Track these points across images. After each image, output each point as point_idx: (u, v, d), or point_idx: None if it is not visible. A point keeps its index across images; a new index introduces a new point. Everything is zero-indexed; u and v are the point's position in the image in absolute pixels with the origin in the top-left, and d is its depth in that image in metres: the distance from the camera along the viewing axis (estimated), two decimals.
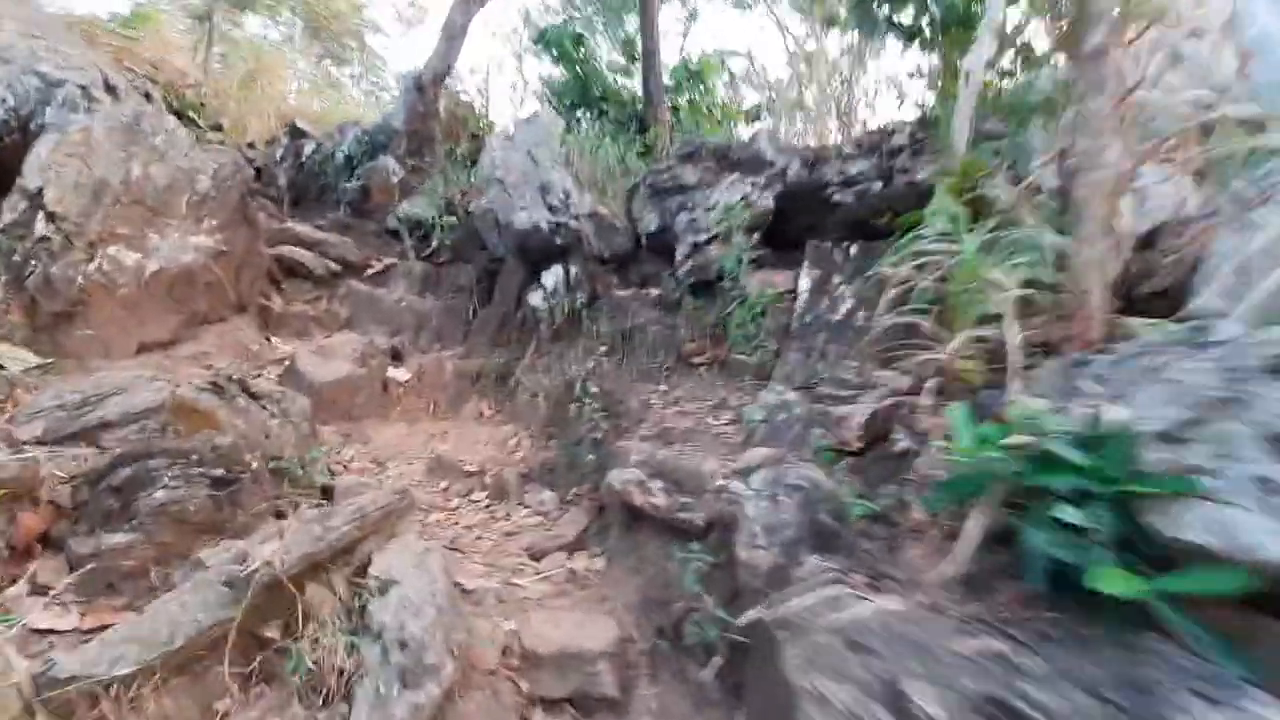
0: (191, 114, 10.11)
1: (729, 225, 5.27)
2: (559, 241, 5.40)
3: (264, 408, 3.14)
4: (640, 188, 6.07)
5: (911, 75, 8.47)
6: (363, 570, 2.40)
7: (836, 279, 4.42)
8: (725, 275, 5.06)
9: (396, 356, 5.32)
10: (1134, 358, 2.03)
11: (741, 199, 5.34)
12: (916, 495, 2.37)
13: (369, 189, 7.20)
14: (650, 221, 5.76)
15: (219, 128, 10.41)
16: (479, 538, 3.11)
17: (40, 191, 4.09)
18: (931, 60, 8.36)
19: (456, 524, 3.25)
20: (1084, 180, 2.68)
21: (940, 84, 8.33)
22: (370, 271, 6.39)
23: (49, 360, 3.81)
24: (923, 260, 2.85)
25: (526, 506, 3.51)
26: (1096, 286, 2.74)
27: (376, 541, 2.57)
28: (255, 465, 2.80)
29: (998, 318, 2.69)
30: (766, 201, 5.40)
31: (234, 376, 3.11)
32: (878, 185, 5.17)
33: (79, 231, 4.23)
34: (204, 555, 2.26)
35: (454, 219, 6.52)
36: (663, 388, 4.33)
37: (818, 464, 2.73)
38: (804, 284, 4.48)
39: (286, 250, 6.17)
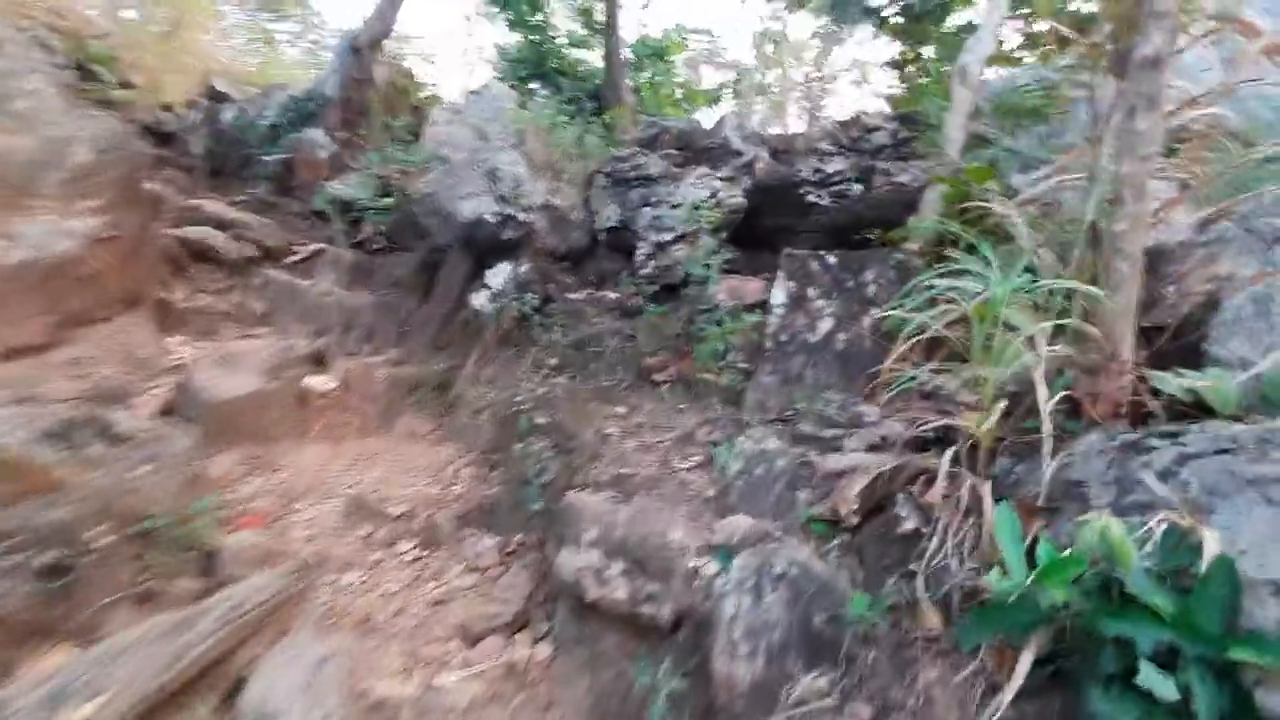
0: (98, 68, 8.90)
1: (697, 224, 4.74)
2: (508, 236, 4.78)
3: (127, 455, 2.48)
4: (599, 176, 5.47)
5: (885, 65, 8.04)
6: (235, 692, 1.84)
7: (813, 292, 3.96)
8: (691, 280, 4.56)
9: (319, 361, 4.62)
10: (1211, 454, 1.62)
11: (711, 195, 4.82)
12: (929, 593, 1.94)
13: (294, 164, 6.35)
14: (609, 215, 5.18)
15: (130, 85, 9.24)
16: (399, 611, 2.55)
17: None
18: (906, 52, 7.93)
19: (374, 590, 2.68)
20: (1124, 213, 2.26)
21: (915, 78, 7.94)
22: (293, 259, 5.60)
23: None
24: (938, 292, 2.40)
25: (462, 560, 2.96)
26: (1128, 336, 2.35)
27: (260, 644, 2.00)
28: (106, 540, 2.17)
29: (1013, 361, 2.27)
30: (736, 199, 4.89)
31: (89, 416, 2.44)
32: (858, 187, 4.72)
33: None
34: (4, 695, 1.65)
35: (390, 201, 5.77)
36: (620, 410, 3.81)
37: (807, 538, 2.28)
38: (778, 297, 4.01)
39: (195, 232, 5.33)
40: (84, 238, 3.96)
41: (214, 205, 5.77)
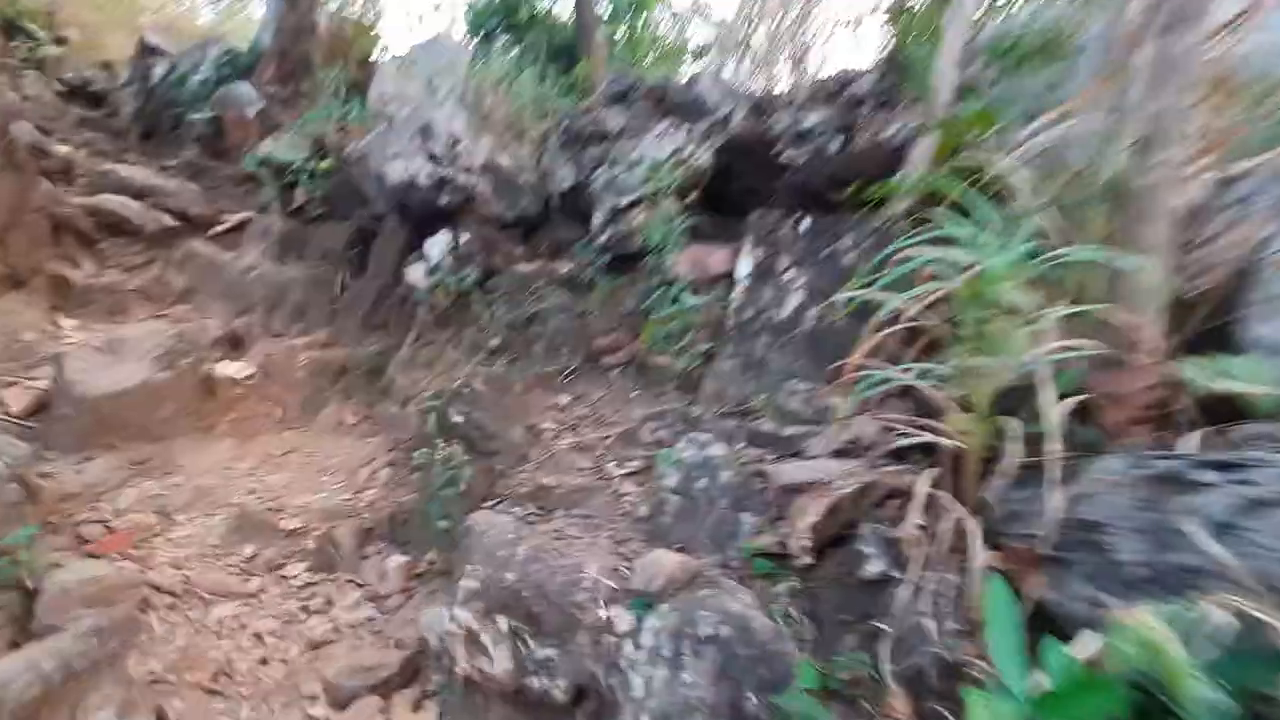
0: (29, 24, 8.13)
1: (657, 186, 4.17)
2: (445, 201, 4.20)
3: None
4: (554, 134, 4.86)
5: (878, 13, 7.31)
6: None
7: (783, 262, 3.42)
8: (650, 249, 4.00)
9: (236, 344, 4.10)
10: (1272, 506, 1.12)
11: (673, 153, 4.23)
12: (896, 665, 1.47)
13: (224, 124, 5.70)
14: (564, 177, 4.58)
15: (64, 41, 8.47)
16: (265, 659, 2.09)
17: None
18: None
19: (242, 630, 2.22)
20: (1154, 161, 1.72)
21: (908, 25, 7.22)
22: (217, 229, 5.03)
23: None
24: (916, 265, 1.87)
25: (361, 584, 2.50)
26: (1156, 319, 1.84)
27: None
28: None
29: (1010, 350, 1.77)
30: (704, 157, 4.30)
31: None
32: (836, 142, 4.13)
33: None
34: None
35: (328, 164, 5.16)
36: (562, 399, 3.31)
37: (748, 579, 1.80)
38: (743, 267, 3.47)
39: (107, 201, 4.75)
40: None
41: (133, 171, 5.16)
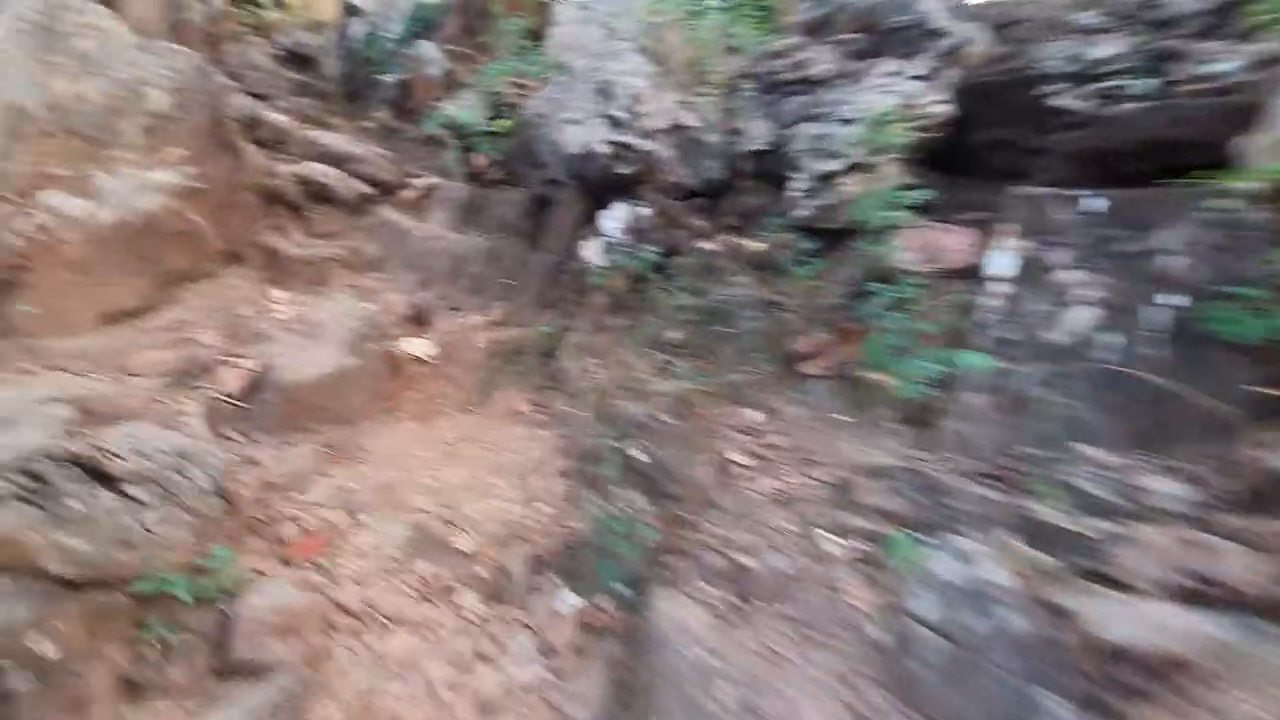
0: None
1: (875, 145, 3.35)
2: (623, 170, 3.71)
3: (130, 497, 1.97)
4: (745, 81, 4.12)
5: None
6: None
7: (1062, 256, 2.52)
8: (864, 229, 3.24)
9: (419, 321, 4.05)
10: None
11: (901, 104, 3.35)
12: None
13: (409, 84, 5.64)
14: (757, 135, 3.87)
15: (283, 4, 9.02)
16: None
17: None
18: None
19: (417, 668, 2.06)
20: None
21: None
22: (406, 196, 5.02)
23: None
24: None
25: (530, 626, 2.25)
26: None
27: None
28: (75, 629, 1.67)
29: None
30: (941, 106, 3.37)
31: (79, 455, 1.93)
32: (1144, 84, 2.99)
33: (1, 178, 3.13)
34: None
35: (505, 125, 4.89)
36: (754, 418, 2.79)
37: None
38: (998, 262, 2.63)
39: (311, 170, 4.88)
40: (171, 192, 3.55)
41: (334, 138, 5.27)
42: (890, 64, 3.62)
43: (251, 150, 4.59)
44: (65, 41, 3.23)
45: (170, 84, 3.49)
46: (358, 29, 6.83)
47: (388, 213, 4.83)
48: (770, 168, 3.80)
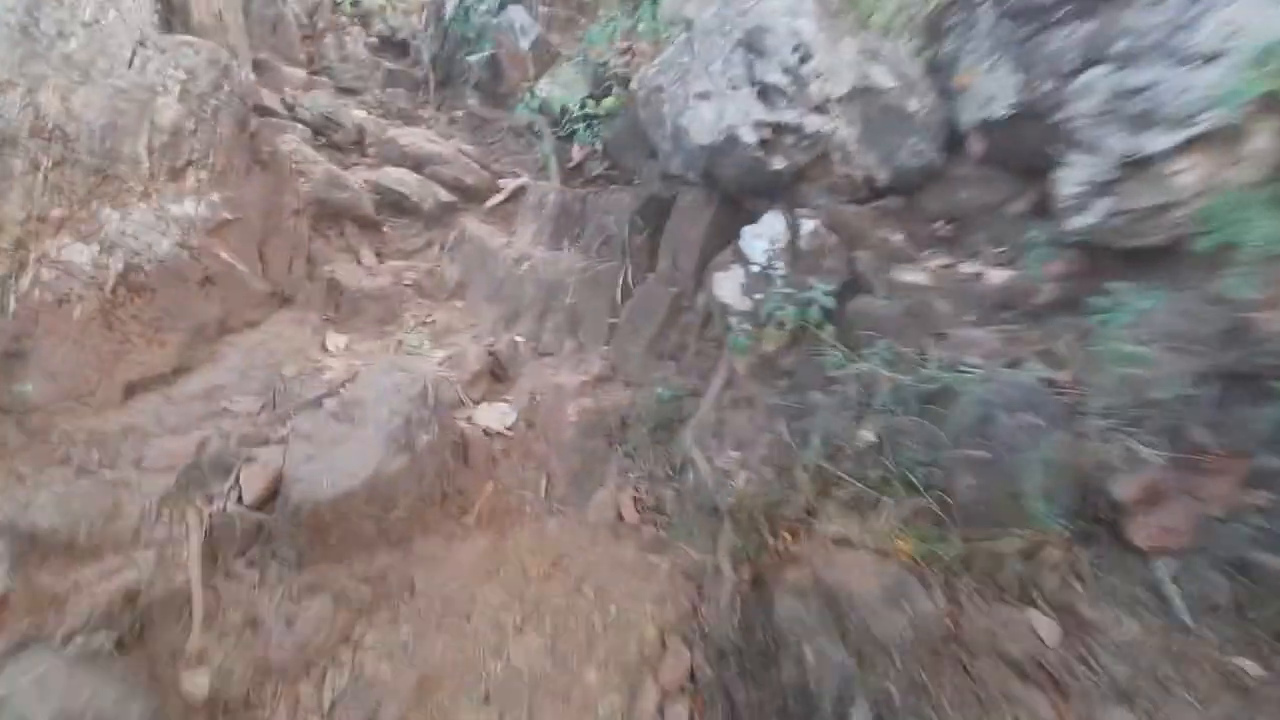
0: None
1: (1255, 102, 1.81)
2: (782, 165, 2.40)
3: None
4: (959, 7, 2.61)
5: None
6: None
7: None
8: (1219, 251, 1.74)
9: (499, 375, 3.05)
10: None
11: None
12: None
13: (498, 61, 4.60)
14: (994, 93, 2.39)
15: None
16: None
17: None
18: None
19: None
20: None
21: None
22: (492, 201, 4.03)
23: None
24: None
25: None
26: None
27: None
28: None
29: None
30: None
31: None
32: None
33: None
34: None
35: (610, 104, 3.70)
36: (1050, 633, 1.47)
37: None
38: None
39: (385, 176, 4.03)
40: (197, 225, 2.76)
41: (413, 135, 4.38)
42: None
43: (321, 161, 3.79)
44: (51, 45, 2.45)
45: (181, 89, 2.66)
46: (450, 4, 5.92)
47: (472, 224, 3.87)
48: (1017, 146, 2.32)
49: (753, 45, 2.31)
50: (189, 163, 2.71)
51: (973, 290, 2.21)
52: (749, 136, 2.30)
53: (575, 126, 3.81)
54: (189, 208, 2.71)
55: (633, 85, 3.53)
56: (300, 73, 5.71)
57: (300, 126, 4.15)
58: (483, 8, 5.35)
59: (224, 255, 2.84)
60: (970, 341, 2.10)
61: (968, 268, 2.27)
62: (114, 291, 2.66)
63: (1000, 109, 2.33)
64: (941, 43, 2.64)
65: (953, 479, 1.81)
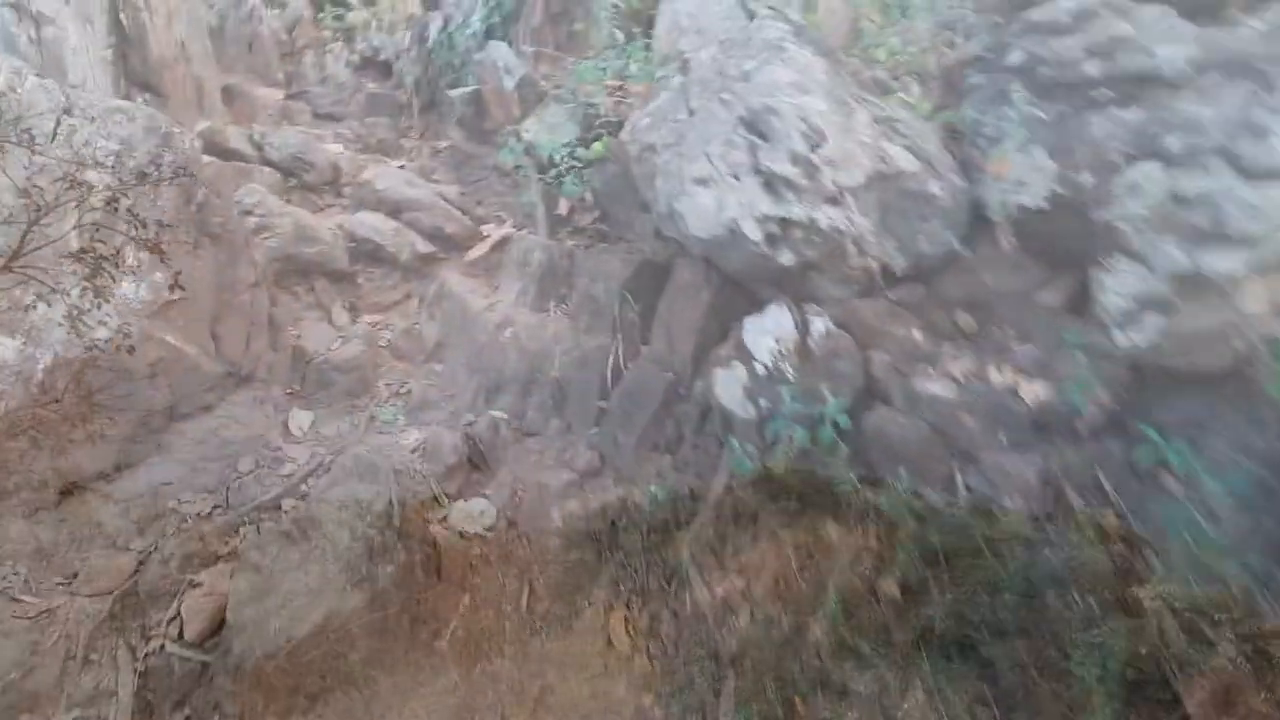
0: None
1: None
2: (789, 261, 2.13)
3: None
4: (997, 78, 2.34)
5: None
6: None
7: None
8: None
9: (476, 464, 2.77)
10: None
11: None
12: None
13: (483, 98, 4.29)
14: (1029, 177, 2.13)
15: (372, 1, 7.98)
16: None
17: None
18: None
19: None
20: None
21: None
22: (474, 254, 3.73)
23: None
24: None
25: None
26: None
27: None
28: None
29: None
30: None
31: None
32: None
33: None
34: None
35: (598, 150, 3.40)
36: None
37: None
38: None
39: (359, 225, 3.74)
40: (138, 309, 2.46)
41: (391, 178, 4.05)
42: None
43: (289, 212, 3.46)
44: None
45: (116, 156, 2.35)
46: (435, 26, 5.58)
47: (452, 278, 3.57)
48: (1052, 238, 2.06)
49: (756, 126, 2.03)
50: (127, 235, 2.40)
51: (1005, 406, 1.96)
52: (754, 233, 2.03)
53: (563, 174, 3.51)
54: (127, 290, 2.41)
55: (624, 135, 3.25)
56: (277, 95, 5.37)
57: (268, 170, 3.83)
58: (467, 33, 5.04)
59: (169, 339, 2.54)
60: (1005, 472, 1.85)
61: (998, 377, 2.01)
62: (41, 386, 2.37)
63: (1034, 198, 2.07)
64: (959, 104, 2.37)
65: (994, 650, 1.56)
